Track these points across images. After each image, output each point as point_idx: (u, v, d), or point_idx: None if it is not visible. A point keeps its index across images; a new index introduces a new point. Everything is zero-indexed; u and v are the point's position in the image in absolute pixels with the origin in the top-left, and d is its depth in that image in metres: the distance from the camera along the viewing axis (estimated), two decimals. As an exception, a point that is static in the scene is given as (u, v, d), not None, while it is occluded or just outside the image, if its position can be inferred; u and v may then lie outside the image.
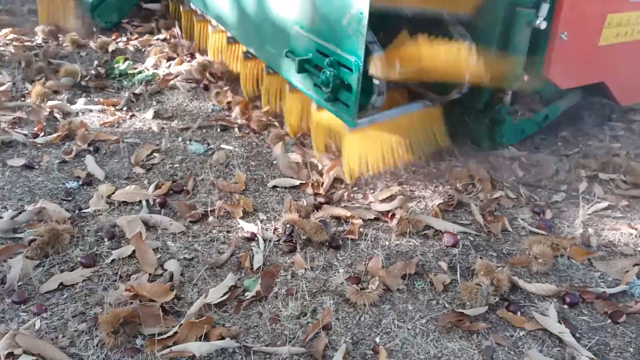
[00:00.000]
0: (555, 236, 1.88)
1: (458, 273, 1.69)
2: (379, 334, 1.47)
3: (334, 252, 1.77)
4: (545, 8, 1.98)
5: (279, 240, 1.80)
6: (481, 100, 2.23)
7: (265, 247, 1.76)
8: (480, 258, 1.75)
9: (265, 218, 1.92)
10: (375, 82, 1.85)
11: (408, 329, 1.49)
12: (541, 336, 1.50)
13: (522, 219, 1.99)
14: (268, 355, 1.39)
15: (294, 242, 1.78)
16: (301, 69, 1.94)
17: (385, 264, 1.70)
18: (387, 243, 1.82)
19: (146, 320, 1.42)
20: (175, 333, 1.40)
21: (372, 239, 1.82)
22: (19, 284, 1.56)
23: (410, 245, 1.81)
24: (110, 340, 1.36)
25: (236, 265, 1.69)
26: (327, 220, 1.83)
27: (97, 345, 1.38)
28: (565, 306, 1.60)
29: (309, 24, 1.92)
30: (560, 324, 1.50)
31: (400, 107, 2.18)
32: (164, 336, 1.39)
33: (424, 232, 1.86)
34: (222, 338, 1.40)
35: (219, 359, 1.37)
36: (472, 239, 1.87)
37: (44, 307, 1.48)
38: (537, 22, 1.97)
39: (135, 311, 1.42)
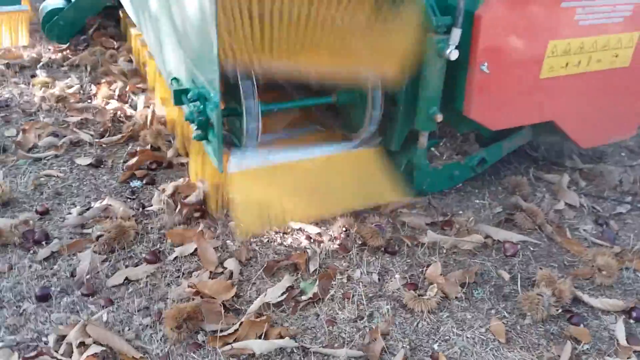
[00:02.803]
0: (620, 248, 1.81)
1: (519, 283, 1.66)
2: (437, 341, 1.46)
3: (389, 257, 1.77)
4: (456, 34, 1.62)
5: (334, 243, 1.81)
6: (395, 141, 1.90)
7: (321, 249, 1.78)
8: (541, 268, 1.71)
9: (320, 221, 1.93)
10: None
11: (467, 337, 1.47)
12: (606, 350, 1.45)
13: (584, 230, 1.94)
14: (326, 357, 1.40)
15: (349, 246, 1.79)
16: (177, 101, 1.68)
17: (443, 272, 1.68)
18: (444, 251, 1.80)
19: (208, 317, 1.46)
20: (236, 331, 1.43)
21: (429, 247, 1.81)
22: (87, 277, 1.62)
23: (469, 253, 1.79)
24: (174, 335, 1.41)
25: (292, 267, 1.71)
26: (383, 225, 1.83)
27: (160, 339, 1.43)
28: (632, 321, 1.55)
29: (188, 49, 1.68)
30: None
31: (311, 147, 1.84)
32: (225, 333, 1.42)
33: (483, 242, 1.83)
34: (281, 337, 1.42)
35: (278, 357, 1.39)
36: (532, 248, 1.83)
37: (110, 301, 1.54)
38: (447, 51, 1.63)
39: (197, 307, 1.46)
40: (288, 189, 1.72)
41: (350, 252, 1.76)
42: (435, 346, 1.44)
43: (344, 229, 1.81)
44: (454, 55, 1.63)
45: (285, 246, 1.80)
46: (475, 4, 1.65)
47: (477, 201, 2.07)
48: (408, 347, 1.43)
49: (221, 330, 1.43)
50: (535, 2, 1.68)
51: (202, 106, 1.55)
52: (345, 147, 1.88)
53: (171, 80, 1.81)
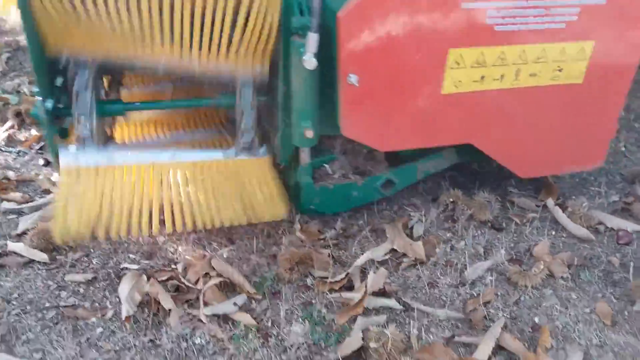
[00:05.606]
0: None
1: (630, 271, 1.61)
2: (538, 315, 1.47)
3: (495, 232, 1.78)
4: (313, 40, 1.36)
5: (440, 212, 1.84)
6: (281, 155, 1.66)
7: (426, 217, 1.82)
8: (657, 260, 1.65)
9: (426, 188, 1.97)
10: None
11: (570, 315, 1.46)
12: None
13: None
14: (425, 314, 1.46)
15: (456, 217, 1.82)
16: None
17: (550, 251, 1.67)
18: (553, 232, 1.78)
19: (317, 264, 1.57)
20: (342, 279, 1.53)
21: (537, 227, 1.80)
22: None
23: (579, 237, 1.76)
24: (286, 276, 1.53)
25: (397, 230, 1.77)
26: (492, 201, 1.85)
27: (274, 278, 1.56)
28: None
29: None
30: None
31: (177, 151, 1.62)
32: (332, 280, 1.53)
33: (595, 227, 1.79)
34: (384, 291, 1.50)
35: (380, 309, 1.47)
36: (648, 240, 1.76)
37: (231, 240, 1.70)
38: (305, 58, 1.38)
39: (308, 254, 1.57)
40: (132, 193, 1.51)
41: (457, 224, 1.80)
42: (536, 319, 1.45)
43: (450, 200, 1.84)
44: (310, 64, 1.39)
45: (390, 211, 1.87)
46: (341, 3, 1.37)
47: (593, 188, 2.01)
48: (508, 316, 1.46)
49: (329, 277, 1.53)
50: (420, 2, 1.38)
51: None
52: (219, 154, 1.64)
53: None
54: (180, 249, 1.66)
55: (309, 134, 1.53)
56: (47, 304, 1.47)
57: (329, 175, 1.76)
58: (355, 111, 1.51)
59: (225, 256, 1.63)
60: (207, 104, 1.79)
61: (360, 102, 1.49)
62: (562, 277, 1.58)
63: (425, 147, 1.73)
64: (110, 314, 1.44)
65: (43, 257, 1.60)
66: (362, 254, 1.64)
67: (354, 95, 1.46)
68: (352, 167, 1.79)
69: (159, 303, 1.46)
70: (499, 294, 1.53)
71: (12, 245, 1.63)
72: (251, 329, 1.40)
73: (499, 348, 1.37)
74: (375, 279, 1.51)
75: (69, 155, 1.50)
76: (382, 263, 1.63)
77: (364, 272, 1.58)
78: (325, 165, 1.76)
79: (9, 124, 2.37)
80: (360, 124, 1.54)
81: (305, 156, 1.67)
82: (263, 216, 1.63)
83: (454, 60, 1.47)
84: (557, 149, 1.77)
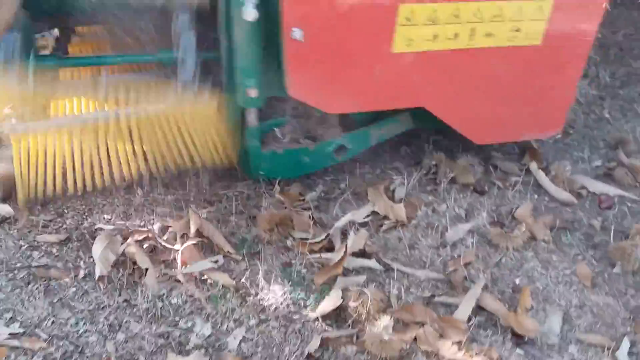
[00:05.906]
0: None
1: (611, 234, 1.61)
2: (519, 276, 1.47)
3: (478, 196, 1.76)
4: None
5: (423, 175, 1.82)
6: (231, 113, 1.56)
7: (408, 180, 1.80)
8: (638, 223, 1.64)
9: (409, 151, 1.95)
10: None
11: (550, 277, 1.46)
12: (699, 310, 1.40)
13: (691, 193, 1.83)
14: (406, 275, 1.45)
15: (438, 180, 1.80)
16: None
17: (532, 214, 1.67)
18: (536, 196, 1.77)
19: (297, 225, 1.54)
20: (322, 240, 1.51)
21: (520, 191, 1.79)
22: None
23: (561, 201, 1.75)
24: (266, 236, 1.51)
25: (378, 192, 1.75)
26: (474, 165, 1.83)
27: (254, 239, 1.53)
28: None
29: None
30: None
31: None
32: (312, 241, 1.50)
33: (577, 191, 1.78)
34: (364, 251, 1.48)
35: (360, 270, 1.45)
36: (629, 204, 1.76)
37: (210, 202, 1.66)
38: (244, 9, 1.31)
39: (288, 215, 1.55)
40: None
41: (439, 187, 1.78)
42: (517, 280, 1.45)
43: (433, 162, 1.82)
44: (249, 15, 1.31)
45: (372, 174, 1.84)
46: None
47: (576, 153, 2.00)
48: (489, 278, 1.45)
49: (309, 239, 1.51)
50: None
51: None
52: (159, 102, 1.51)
53: None
54: (157, 209, 1.62)
55: (253, 93, 1.45)
56: (19, 264, 1.42)
57: (279, 140, 1.66)
58: (300, 69, 1.40)
59: (204, 217, 1.60)
60: (147, 59, 1.70)
61: (305, 60, 1.39)
62: (543, 240, 1.58)
63: (377, 111, 1.65)
64: (83, 274, 1.40)
65: (8, 210, 1.54)
66: (343, 216, 1.62)
67: (299, 51, 1.36)
68: (304, 131, 1.69)
69: (135, 263, 1.42)
70: (479, 255, 1.53)
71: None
72: (229, 289, 1.37)
73: (479, 308, 1.36)
74: (356, 239, 1.49)
75: None
76: (363, 225, 1.61)
77: (344, 233, 1.56)
78: (275, 129, 1.67)
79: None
80: (306, 84, 1.44)
81: (251, 118, 1.55)
82: (207, 161, 1.59)
83: (404, 16, 1.36)
84: (514, 115, 1.69)
